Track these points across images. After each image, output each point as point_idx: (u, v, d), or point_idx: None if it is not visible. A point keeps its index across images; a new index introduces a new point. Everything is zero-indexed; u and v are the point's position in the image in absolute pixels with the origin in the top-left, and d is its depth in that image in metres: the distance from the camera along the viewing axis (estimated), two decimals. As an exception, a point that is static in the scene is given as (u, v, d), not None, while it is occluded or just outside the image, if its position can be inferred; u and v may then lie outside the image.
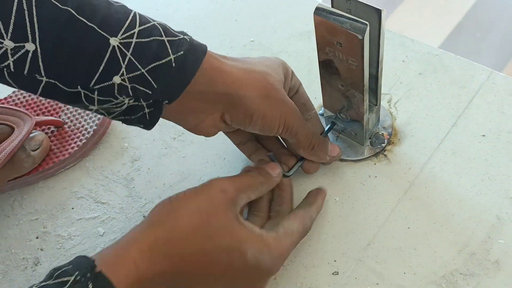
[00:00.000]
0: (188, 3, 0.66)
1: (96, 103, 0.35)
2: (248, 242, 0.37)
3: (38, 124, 0.52)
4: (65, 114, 0.54)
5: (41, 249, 0.47)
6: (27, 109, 0.54)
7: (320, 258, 0.43)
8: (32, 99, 0.56)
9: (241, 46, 0.60)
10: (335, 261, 0.43)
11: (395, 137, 0.49)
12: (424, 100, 0.51)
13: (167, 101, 0.37)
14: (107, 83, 0.34)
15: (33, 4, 0.31)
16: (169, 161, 0.52)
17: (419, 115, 0.50)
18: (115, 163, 0.52)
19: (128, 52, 0.34)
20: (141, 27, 0.35)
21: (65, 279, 0.31)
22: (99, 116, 0.53)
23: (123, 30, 0.34)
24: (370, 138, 0.49)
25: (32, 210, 0.50)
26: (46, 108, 0.55)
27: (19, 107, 0.54)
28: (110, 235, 0.47)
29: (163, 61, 0.35)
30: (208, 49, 0.38)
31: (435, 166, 0.47)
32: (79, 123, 0.53)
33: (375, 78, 0.43)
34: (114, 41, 0.34)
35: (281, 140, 0.48)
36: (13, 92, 0.56)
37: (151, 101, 0.37)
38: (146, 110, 0.37)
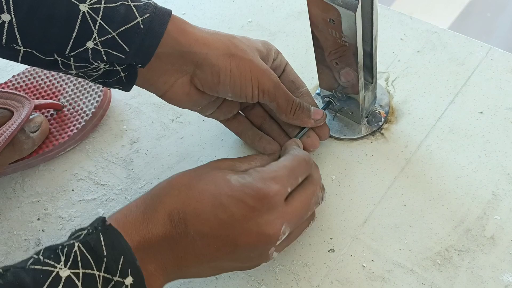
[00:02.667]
0: (185, -16, 0.66)
1: (73, 68, 0.37)
2: (230, 173, 0.38)
3: (37, 108, 0.52)
4: (64, 97, 0.55)
5: (42, 231, 0.48)
6: (26, 93, 0.55)
7: (316, 236, 0.44)
8: (32, 83, 0.56)
9: (239, 27, 0.60)
10: (331, 238, 0.43)
11: (392, 115, 0.49)
12: (422, 78, 0.51)
13: (140, 65, 0.39)
14: (81, 49, 0.36)
15: None
16: (167, 142, 0.52)
17: (417, 93, 0.50)
18: (114, 145, 0.53)
19: (98, 17, 0.36)
20: None
21: (80, 233, 0.33)
22: (97, 98, 0.54)
23: None
24: (367, 116, 0.49)
25: (33, 193, 0.51)
26: (45, 91, 0.55)
27: (19, 91, 0.55)
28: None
29: (132, 23, 0.37)
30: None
31: (432, 143, 0.46)
32: (78, 106, 0.54)
33: (369, 56, 0.43)
34: (83, 7, 0.35)
35: (284, 130, 0.47)
36: (13, 76, 0.57)
37: (125, 65, 0.39)
38: (122, 74, 0.39)
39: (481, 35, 2.25)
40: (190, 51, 0.39)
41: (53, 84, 0.56)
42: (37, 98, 0.55)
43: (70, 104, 0.54)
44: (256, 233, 0.35)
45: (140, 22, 0.37)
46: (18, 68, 0.60)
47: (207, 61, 0.40)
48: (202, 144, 0.51)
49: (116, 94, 0.56)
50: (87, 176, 0.51)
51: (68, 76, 0.55)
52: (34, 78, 0.56)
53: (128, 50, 0.37)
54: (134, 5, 0.37)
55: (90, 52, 0.36)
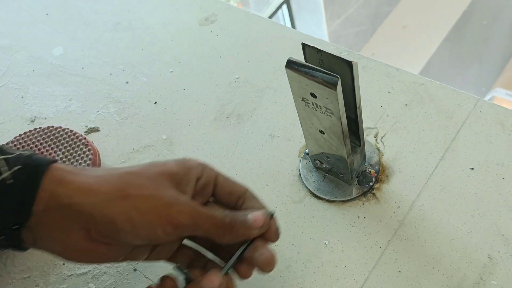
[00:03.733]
0: (172, 41, 0.66)
1: None
2: None
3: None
4: (58, 155, 0.54)
5: (34, 309, 0.48)
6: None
7: (311, 307, 0.43)
8: (28, 144, 0.56)
9: (226, 83, 0.60)
10: (326, 309, 0.42)
11: (383, 174, 0.48)
12: (411, 132, 0.50)
13: (17, 226, 0.33)
14: None
15: None
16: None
17: (407, 149, 0.49)
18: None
19: None
20: None
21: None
22: (90, 156, 0.53)
23: None
24: (357, 177, 0.48)
25: (24, 268, 0.50)
26: (40, 150, 0.55)
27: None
28: (101, 291, 0.47)
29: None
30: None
31: (424, 203, 0.46)
32: (72, 164, 0.53)
33: (354, 121, 0.43)
34: None
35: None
36: (15, 137, 0.56)
37: (2, 228, 0.33)
38: (1, 237, 0.33)
39: (478, 42, 2.25)
40: (73, 203, 0.33)
41: (45, 149, 0.55)
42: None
43: (65, 162, 0.54)
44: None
45: (9, 177, 0.32)
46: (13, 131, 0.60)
47: (96, 211, 0.33)
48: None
49: (105, 159, 0.56)
50: (78, 249, 0.51)
51: (58, 146, 0.55)
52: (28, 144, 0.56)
53: None
54: (3, 158, 0.33)
55: None
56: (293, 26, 2.40)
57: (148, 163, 0.37)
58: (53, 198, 0.33)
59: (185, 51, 0.64)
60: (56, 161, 0.35)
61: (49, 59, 0.68)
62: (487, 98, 2.00)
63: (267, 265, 0.36)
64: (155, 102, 0.60)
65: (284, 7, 2.34)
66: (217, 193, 0.40)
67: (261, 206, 0.39)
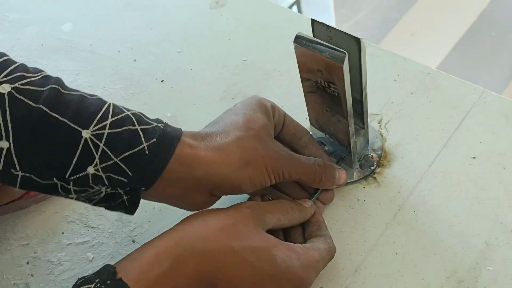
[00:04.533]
0: (182, 22, 0.66)
1: (73, 192, 0.36)
2: (277, 246, 0.37)
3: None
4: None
5: (31, 275, 0.48)
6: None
7: (307, 285, 0.43)
8: None
9: (233, 65, 0.60)
10: (321, 287, 0.43)
11: (385, 159, 0.49)
12: (415, 120, 0.50)
13: (143, 188, 0.38)
14: (82, 174, 0.35)
15: (6, 104, 0.32)
16: (159, 184, 0.52)
17: (410, 136, 0.49)
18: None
19: (100, 143, 0.35)
20: (113, 118, 0.36)
21: (87, 286, 0.32)
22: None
23: (95, 122, 0.35)
24: (359, 160, 0.48)
25: (23, 235, 0.51)
26: None
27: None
28: (99, 260, 0.48)
29: (136, 149, 0.36)
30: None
31: (425, 189, 0.46)
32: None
33: (360, 103, 0.43)
34: (86, 134, 0.34)
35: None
36: None
37: (128, 188, 0.38)
38: (124, 197, 0.38)
39: (487, 53, 2.25)
40: (206, 175, 0.38)
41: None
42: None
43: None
44: None
45: (146, 148, 0.36)
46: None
47: (226, 179, 0.39)
48: (194, 186, 0.51)
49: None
50: (77, 219, 0.51)
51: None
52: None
53: (131, 174, 0.36)
54: (141, 129, 0.36)
55: (90, 177, 0.35)
56: (301, 27, 2.41)
57: (244, 120, 0.41)
58: (185, 169, 0.38)
59: (194, 32, 0.65)
60: (182, 131, 0.39)
61: (58, 35, 0.68)
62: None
63: (330, 200, 0.46)
64: (162, 81, 0.60)
65: (294, 7, 2.35)
66: (283, 132, 0.45)
67: (320, 152, 0.46)
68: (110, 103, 0.36)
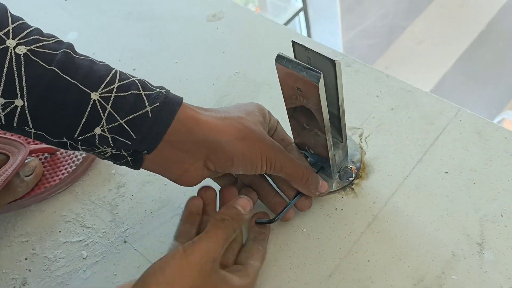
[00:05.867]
0: (180, 34, 0.70)
1: (81, 149, 0.39)
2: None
3: (32, 152, 0.56)
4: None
5: (29, 270, 0.51)
6: (21, 138, 0.58)
7: (284, 287, 0.46)
8: None
9: (226, 77, 0.63)
10: (297, 290, 0.45)
11: (363, 171, 0.51)
12: (394, 135, 0.53)
13: (146, 151, 0.40)
14: (89, 134, 0.38)
15: (22, 65, 0.35)
16: (152, 188, 0.55)
17: (388, 150, 0.52)
18: (102, 189, 0.56)
19: (108, 105, 0.37)
20: (120, 83, 0.38)
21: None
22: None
23: (103, 85, 0.37)
24: (339, 171, 0.51)
25: (23, 232, 0.54)
26: None
27: (14, 136, 0.58)
28: (92, 258, 0.51)
29: (140, 112, 0.38)
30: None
31: (399, 200, 0.49)
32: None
33: (337, 118, 0.46)
34: (94, 96, 0.37)
35: (273, 184, 0.50)
36: None
37: (132, 151, 0.41)
38: (128, 158, 0.41)
39: (495, 63, 2.25)
40: (204, 139, 0.41)
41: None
42: (31, 143, 0.58)
43: (63, 148, 0.58)
44: None
45: (149, 111, 0.39)
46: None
47: (221, 147, 0.41)
48: (183, 191, 0.54)
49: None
50: (74, 218, 0.54)
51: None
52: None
53: (135, 137, 0.39)
54: (145, 94, 0.39)
55: (97, 137, 0.38)
56: (308, 33, 2.43)
57: (244, 110, 0.45)
58: (188, 133, 0.41)
59: (191, 44, 0.68)
60: (183, 99, 0.41)
61: (64, 43, 0.72)
62: (496, 120, 2.01)
63: (307, 208, 0.49)
64: (159, 90, 0.64)
65: (301, 14, 2.37)
66: (274, 137, 0.49)
67: (304, 160, 0.49)
68: (117, 70, 0.39)
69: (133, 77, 0.40)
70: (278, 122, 0.50)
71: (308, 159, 0.51)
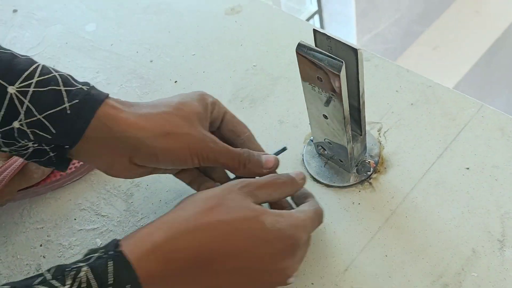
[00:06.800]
0: (198, 27, 0.70)
1: (2, 145, 0.40)
2: (265, 213, 0.39)
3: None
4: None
5: (43, 257, 0.51)
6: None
7: (298, 280, 0.45)
8: None
9: (243, 70, 0.63)
10: (312, 283, 0.45)
11: (381, 165, 0.51)
12: (414, 130, 0.52)
13: (67, 146, 0.41)
14: (7, 128, 0.39)
15: None
16: (167, 178, 0.55)
17: (407, 145, 0.51)
18: (117, 178, 0.56)
19: (25, 99, 0.38)
20: (40, 78, 0.39)
21: (93, 255, 0.35)
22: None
23: (21, 79, 0.38)
24: (356, 165, 0.50)
25: (38, 219, 0.54)
26: None
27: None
28: (106, 246, 0.51)
29: (58, 108, 0.39)
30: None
31: (418, 196, 0.48)
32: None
33: (357, 110, 0.45)
34: (11, 89, 0.38)
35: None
36: None
37: (53, 145, 0.41)
38: (51, 154, 0.42)
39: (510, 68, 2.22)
40: (124, 136, 0.41)
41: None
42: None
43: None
44: (280, 275, 0.39)
45: (67, 108, 0.39)
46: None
47: (143, 144, 0.41)
48: (199, 182, 0.54)
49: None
50: (89, 207, 0.54)
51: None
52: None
53: (54, 131, 0.39)
54: (65, 90, 0.39)
55: (16, 131, 0.39)
56: (322, 35, 2.42)
57: (177, 102, 0.44)
58: (105, 129, 0.40)
59: (209, 37, 0.68)
60: (108, 95, 0.41)
61: (82, 34, 0.72)
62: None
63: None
64: (175, 81, 0.64)
65: (316, 17, 2.36)
66: (222, 128, 0.47)
67: (259, 149, 0.47)
68: (40, 64, 0.40)
69: (56, 71, 0.40)
70: (226, 112, 0.47)
71: (326, 152, 0.51)
